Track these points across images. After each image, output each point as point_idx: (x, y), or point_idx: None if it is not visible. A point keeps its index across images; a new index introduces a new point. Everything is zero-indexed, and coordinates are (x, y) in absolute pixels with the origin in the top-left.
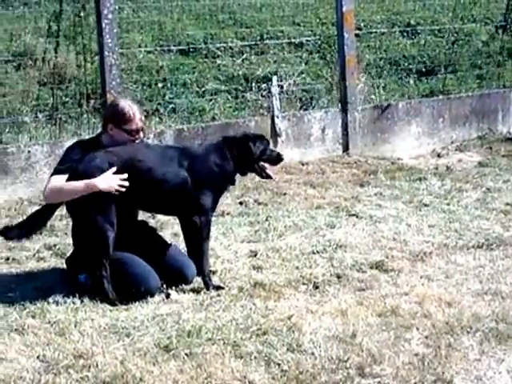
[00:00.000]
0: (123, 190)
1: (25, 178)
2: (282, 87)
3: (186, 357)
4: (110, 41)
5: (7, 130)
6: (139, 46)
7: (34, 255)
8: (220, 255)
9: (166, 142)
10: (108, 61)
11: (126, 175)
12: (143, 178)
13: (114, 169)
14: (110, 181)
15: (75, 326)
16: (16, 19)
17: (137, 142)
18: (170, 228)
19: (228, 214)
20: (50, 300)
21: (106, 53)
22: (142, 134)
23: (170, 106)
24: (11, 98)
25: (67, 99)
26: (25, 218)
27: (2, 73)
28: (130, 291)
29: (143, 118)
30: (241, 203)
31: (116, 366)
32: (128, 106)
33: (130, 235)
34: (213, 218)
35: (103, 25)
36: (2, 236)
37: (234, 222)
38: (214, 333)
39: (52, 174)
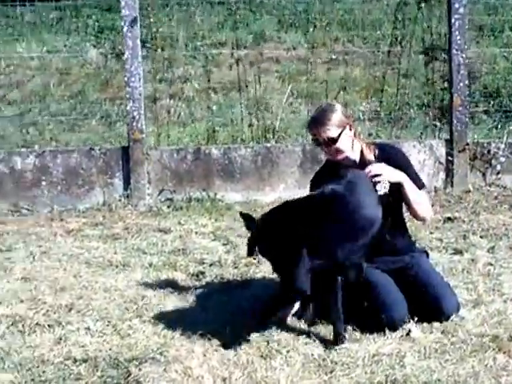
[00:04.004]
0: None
1: None
2: None
3: None
4: (459, 38)
5: None
6: None
7: None
8: (506, 293)
9: None
10: (456, 59)
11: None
12: None
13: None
14: None
15: (288, 351)
16: None
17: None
18: None
19: None
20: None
21: (455, 51)
22: (332, 150)
23: None
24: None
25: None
26: None
27: (414, 65)
28: (367, 318)
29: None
30: None
31: None
32: (318, 109)
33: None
34: None
35: (453, 20)
36: None
37: None
38: None
39: None
